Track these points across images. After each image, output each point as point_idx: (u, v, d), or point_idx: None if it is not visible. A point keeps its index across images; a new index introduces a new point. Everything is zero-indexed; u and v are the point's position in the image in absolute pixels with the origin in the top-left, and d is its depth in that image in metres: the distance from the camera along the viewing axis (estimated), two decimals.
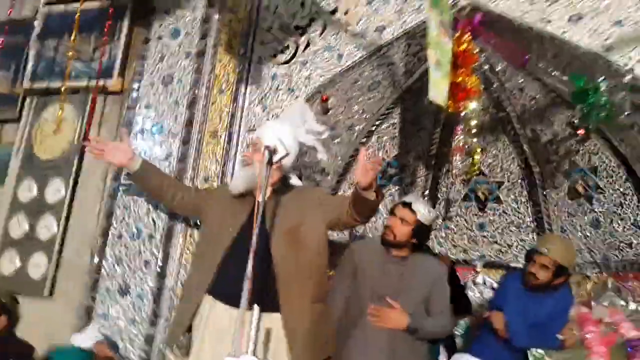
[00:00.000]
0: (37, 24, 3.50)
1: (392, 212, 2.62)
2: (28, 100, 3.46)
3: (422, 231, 2.58)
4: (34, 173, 3.27)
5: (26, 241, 3.15)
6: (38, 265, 3.07)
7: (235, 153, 2.98)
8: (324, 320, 2.28)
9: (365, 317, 2.45)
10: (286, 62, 3.07)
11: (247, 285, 1.78)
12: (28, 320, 2.98)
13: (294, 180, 2.48)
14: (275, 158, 2.10)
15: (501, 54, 3.01)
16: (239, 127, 3.03)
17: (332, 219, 2.31)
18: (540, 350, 2.63)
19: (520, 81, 3.18)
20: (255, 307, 1.79)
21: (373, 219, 3.70)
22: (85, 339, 2.52)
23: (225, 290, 2.13)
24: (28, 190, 3.24)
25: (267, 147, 2.07)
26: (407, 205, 2.57)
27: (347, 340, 2.42)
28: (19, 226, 3.19)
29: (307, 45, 3.05)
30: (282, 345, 2.14)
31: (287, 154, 2.23)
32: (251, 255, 1.80)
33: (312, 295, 2.22)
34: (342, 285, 2.60)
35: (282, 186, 2.37)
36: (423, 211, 2.56)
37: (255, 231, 1.86)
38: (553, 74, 2.85)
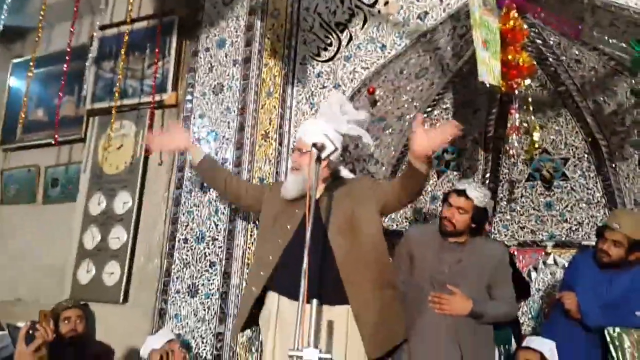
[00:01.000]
0: (93, 48, 3.70)
1: (446, 201, 2.57)
2: (91, 120, 3.66)
3: (480, 215, 2.53)
4: (102, 188, 3.47)
5: (99, 251, 3.35)
6: (112, 273, 3.26)
7: (287, 152, 3.02)
8: (394, 306, 2.28)
9: (425, 304, 2.43)
10: (330, 59, 3.08)
11: (304, 280, 1.78)
12: (105, 325, 3.19)
13: (345, 173, 2.48)
14: (324, 154, 2.07)
15: (552, 27, 2.89)
16: (289, 127, 3.07)
17: (382, 203, 2.29)
18: (617, 329, 2.51)
19: (576, 53, 3.04)
20: (314, 300, 1.81)
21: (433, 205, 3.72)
22: (159, 339, 2.64)
23: (288, 286, 2.14)
24: (98, 204, 3.45)
25: (314, 145, 2.05)
26: (462, 193, 2.52)
27: (408, 329, 2.38)
28: (92, 238, 3.40)
29: (350, 40, 3.04)
30: (347, 338, 2.15)
31: (335, 149, 2.23)
32: (306, 251, 1.80)
33: (378, 282, 2.22)
34: (399, 271, 2.58)
35: (334, 180, 2.38)
36: (478, 196, 2.50)
37: (309, 227, 1.85)
38: (611, 42, 2.70)
